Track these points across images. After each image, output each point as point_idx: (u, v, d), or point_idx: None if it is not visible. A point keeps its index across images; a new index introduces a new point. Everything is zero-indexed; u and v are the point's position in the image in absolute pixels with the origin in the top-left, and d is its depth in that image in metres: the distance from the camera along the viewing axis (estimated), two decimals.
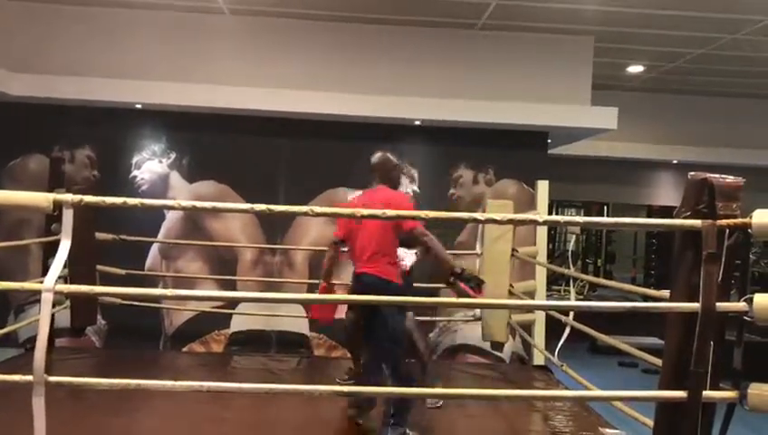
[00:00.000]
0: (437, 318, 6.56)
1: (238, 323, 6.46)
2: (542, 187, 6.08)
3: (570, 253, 5.51)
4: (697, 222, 2.31)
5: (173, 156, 6.58)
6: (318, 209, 2.17)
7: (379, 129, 6.63)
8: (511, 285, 5.67)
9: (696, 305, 2.26)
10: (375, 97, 6.35)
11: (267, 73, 6.44)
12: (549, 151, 7.28)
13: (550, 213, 7.75)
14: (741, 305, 2.24)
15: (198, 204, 2.95)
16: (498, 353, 6.24)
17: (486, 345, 6.18)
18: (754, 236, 2.26)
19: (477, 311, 5.99)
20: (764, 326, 2.27)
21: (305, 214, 1.97)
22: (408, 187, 6.92)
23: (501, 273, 5.53)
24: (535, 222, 2.46)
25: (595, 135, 7.27)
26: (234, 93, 6.19)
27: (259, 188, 6.30)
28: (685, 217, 2.37)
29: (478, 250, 6.04)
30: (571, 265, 5.21)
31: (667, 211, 9.80)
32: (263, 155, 6.61)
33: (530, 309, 5.79)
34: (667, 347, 2.44)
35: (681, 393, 2.27)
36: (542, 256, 6.07)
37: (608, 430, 4.22)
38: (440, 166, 6.86)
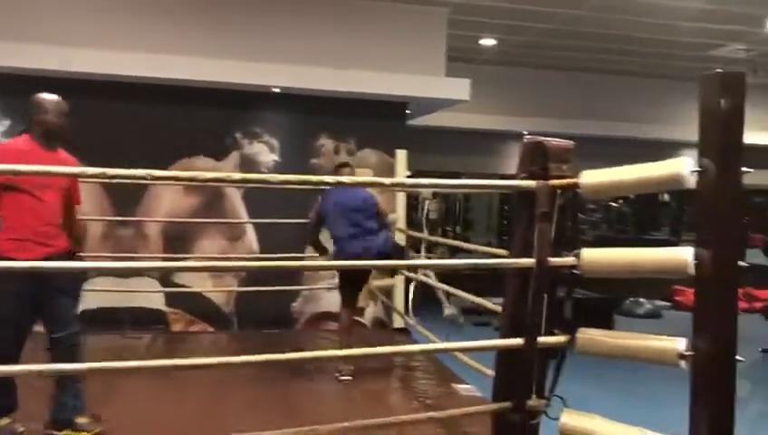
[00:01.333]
0: (300, 287, 6.58)
1: (87, 301, 6.10)
2: (401, 156, 6.21)
3: (426, 220, 5.66)
4: (532, 183, 2.46)
5: (7, 123, 6.06)
6: (157, 173, 2.07)
7: (237, 96, 6.47)
8: None
9: (531, 261, 2.41)
10: (231, 62, 6.18)
11: (115, 35, 6.06)
12: (408, 122, 7.44)
13: None
14: (570, 260, 2.41)
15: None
16: (359, 319, 6.36)
17: None
18: (583, 194, 2.43)
19: (337, 279, 6.06)
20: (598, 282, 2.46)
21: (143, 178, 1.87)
22: (269, 156, 6.84)
23: None
24: (381, 184, 2.53)
25: (450, 106, 7.51)
26: (81, 56, 5.79)
27: (107, 157, 5.92)
28: (521, 179, 2.51)
29: None
30: (428, 232, 5.36)
31: None
32: (113, 122, 6.23)
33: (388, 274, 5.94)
34: (506, 301, 2.59)
35: (518, 341, 2.43)
36: (401, 223, 6.23)
37: (461, 386, 4.46)
38: (302, 135, 6.82)
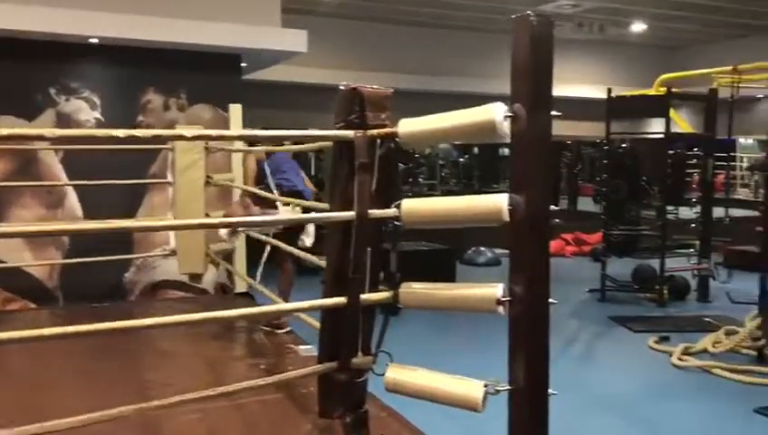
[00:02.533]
0: (134, 256, 6.15)
1: None
2: (235, 110, 5.88)
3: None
4: (350, 133, 2.34)
5: None
6: None
7: (50, 47, 5.83)
8: (207, 214, 5.49)
9: (351, 214, 2.30)
10: (42, 9, 5.52)
11: None
12: (244, 77, 7.10)
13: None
14: (391, 212, 2.33)
15: None
16: (199, 285, 6.07)
17: (186, 279, 5.97)
18: (402, 144, 2.35)
19: (173, 244, 5.73)
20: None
21: None
22: (90, 114, 6.26)
23: (195, 201, 5.31)
24: (182, 137, 2.33)
25: (288, 59, 7.26)
26: None
27: None
28: (339, 129, 2.39)
29: (170, 179, 5.73)
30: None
31: None
32: None
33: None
34: (328, 256, 2.48)
35: (341, 299, 2.33)
36: (239, 181, 5.96)
37: (301, 347, 4.37)
38: (126, 90, 6.30)
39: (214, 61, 6.41)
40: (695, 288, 8.18)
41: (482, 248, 10.95)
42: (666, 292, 7.86)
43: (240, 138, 4.94)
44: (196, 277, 5.79)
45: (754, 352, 5.64)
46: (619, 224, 8.19)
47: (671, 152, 11.33)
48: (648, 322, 6.99)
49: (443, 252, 9.17)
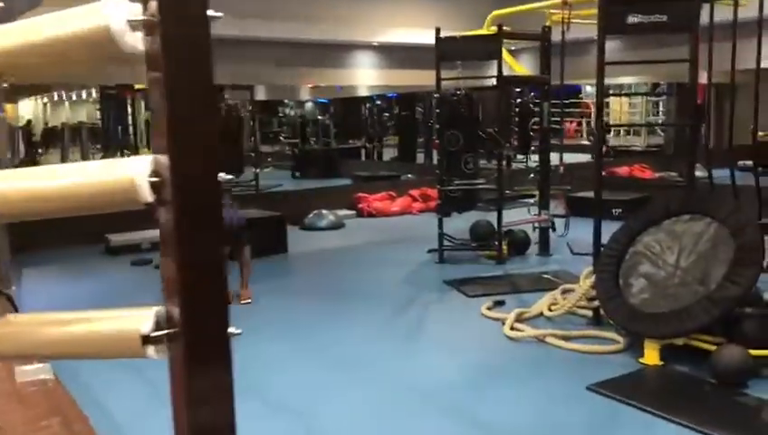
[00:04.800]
0: None
1: None
2: None
3: None
4: None
5: None
6: None
7: None
8: None
9: None
10: None
11: None
12: None
13: None
14: None
15: None
16: None
17: None
18: None
19: None
20: None
21: None
22: None
23: None
24: None
25: None
26: None
27: None
28: None
29: None
30: None
31: None
32: None
33: None
34: None
35: None
36: None
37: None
38: None
39: None
40: (535, 241, 7.81)
41: (323, 211, 10.12)
42: (505, 247, 7.41)
43: None
44: None
45: (590, 313, 5.21)
46: (455, 178, 7.59)
47: (519, 101, 11.13)
48: (485, 284, 6.44)
49: (272, 219, 8.25)
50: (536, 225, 7.85)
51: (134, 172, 1.23)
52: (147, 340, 1.28)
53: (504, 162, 8.35)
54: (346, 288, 6.62)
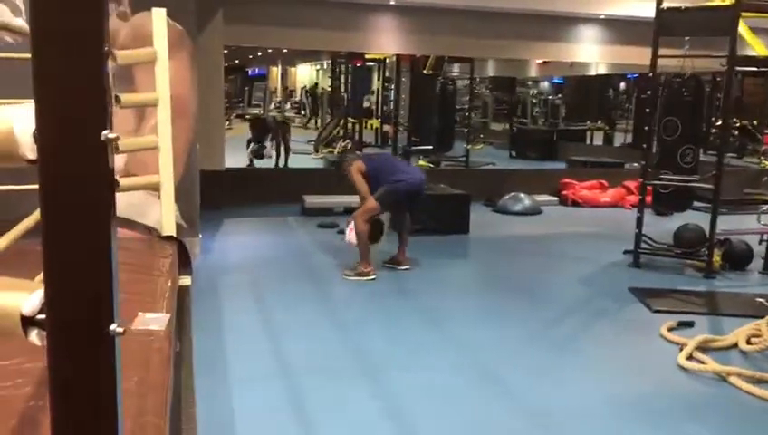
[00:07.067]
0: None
1: None
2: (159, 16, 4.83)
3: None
4: None
5: None
6: None
7: None
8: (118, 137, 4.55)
9: None
10: None
11: None
12: None
13: None
14: None
15: None
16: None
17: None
18: None
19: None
20: None
21: None
22: (14, 20, 5.37)
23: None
24: None
25: None
26: None
27: None
28: None
29: None
30: None
31: None
32: None
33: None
34: None
35: None
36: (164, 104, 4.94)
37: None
38: None
39: None
40: (761, 256, 6.52)
41: (521, 195, 9.52)
42: (717, 259, 6.27)
43: None
44: None
45: None
46: (668, 171, 6.57)
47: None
48: (678, 299, 5.48)
49: (456, 198, 7.91)
50: (764, 237, 6.55)
51: (15, 122, 0.98)
52: (26, 321, 1.04)
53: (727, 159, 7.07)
54: (513, 282, 6.05)
